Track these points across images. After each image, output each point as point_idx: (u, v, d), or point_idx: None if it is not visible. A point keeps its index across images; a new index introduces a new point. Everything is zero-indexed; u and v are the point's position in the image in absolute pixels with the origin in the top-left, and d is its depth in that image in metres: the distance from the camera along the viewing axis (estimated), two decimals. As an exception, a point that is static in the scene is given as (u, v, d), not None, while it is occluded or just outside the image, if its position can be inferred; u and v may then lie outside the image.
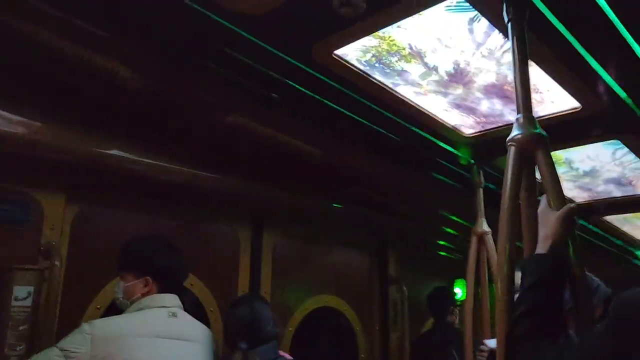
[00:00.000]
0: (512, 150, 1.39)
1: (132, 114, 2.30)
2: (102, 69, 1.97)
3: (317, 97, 2.37)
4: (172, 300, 2.14)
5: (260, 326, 2.30)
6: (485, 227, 2.83)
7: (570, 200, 3.08)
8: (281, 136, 2.58)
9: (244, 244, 3.29)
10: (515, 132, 1.41)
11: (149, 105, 2.24)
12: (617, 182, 3.33)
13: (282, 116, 2.49)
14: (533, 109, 1.46)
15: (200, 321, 2.28)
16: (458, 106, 2.44)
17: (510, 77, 1.83)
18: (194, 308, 2.80)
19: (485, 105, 2.43)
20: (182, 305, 2.19)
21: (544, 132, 1.38)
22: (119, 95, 2.10)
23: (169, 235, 2.46)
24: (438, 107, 2.46)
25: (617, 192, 3.52)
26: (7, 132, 2.05)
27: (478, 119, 2.57)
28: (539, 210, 1.30)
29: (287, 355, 2.42)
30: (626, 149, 2.82)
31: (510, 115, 2.50)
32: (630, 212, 3.93)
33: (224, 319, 2.54)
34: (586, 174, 3.22)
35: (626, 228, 4.50)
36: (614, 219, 4.24)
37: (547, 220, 1.24)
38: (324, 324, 4.02)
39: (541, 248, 1.20)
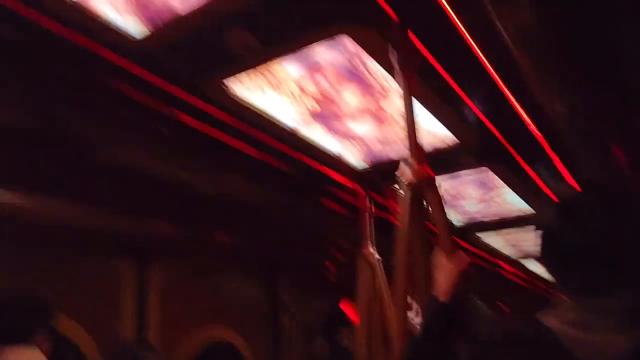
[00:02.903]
0: (406, 192, 1.46)
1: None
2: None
3: (203, 128, 2.32)
4: None
5: None
6: (371, 249, 2.91)
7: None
8: (164, 168, 2.48)
9: (128, 281, 3.10)
10: (406, 172, 1.48)
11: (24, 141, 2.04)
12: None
13: (167, 148, 2.39)
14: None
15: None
16: (341, 135, 2.52)
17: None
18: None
19: (366, 135, 2.53)
20: None
21: (432, 174, 1.47)
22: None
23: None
24: (323, 137, 2.52)
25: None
26: None
27: (360, 148, 2.67)
28: (434, 259, 1.35)
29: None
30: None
31: (392, 146, 2.63)
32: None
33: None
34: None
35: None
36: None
37: (444, 269, 1.27)
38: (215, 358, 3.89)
39: (440, 295, 1.23)
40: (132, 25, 1.69)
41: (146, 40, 1.74)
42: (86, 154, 2.19)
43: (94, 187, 2.49)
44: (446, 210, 1.48)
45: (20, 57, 1.78)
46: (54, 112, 1.98)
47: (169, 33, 1.72)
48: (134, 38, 1.73)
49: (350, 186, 3.10)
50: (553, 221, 0.99)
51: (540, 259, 1.02)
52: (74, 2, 1.56)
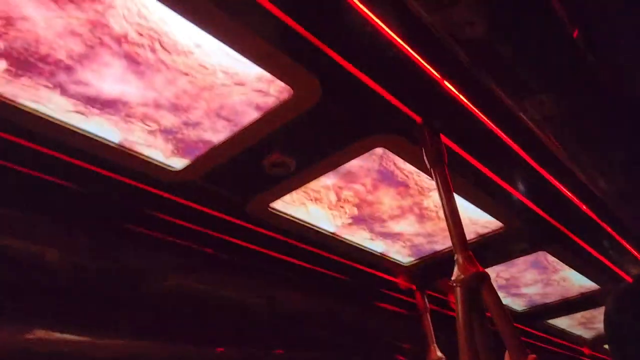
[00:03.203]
0: (457, 291, 1.44)
1: (57, 292, 2.17)
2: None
3: (249, 247, 2.38)
4: None
5: None
6: (438, 353, 2.80)
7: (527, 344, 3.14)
8: (216, 290, 2.51)
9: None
10: (457, 273, 1.46)
11: (77, 281, 2.13)
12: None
13: (223, 272, 2.45)
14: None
15: None
16: (384, 235, 2.53)
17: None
18: None
19: (409, 231, 2.53)
20: None
21: (485, 271, 1.44)
22: (46, 277, 1.99)
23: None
24: (363, 238, 2.53)
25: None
26: None
27: (404, 244, 2.66)
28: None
29: None
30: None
31: (437, 239, 2.61)
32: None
33: None
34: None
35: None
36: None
37: None
38: None
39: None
40: (172, 159, 1.81)
41: (186, 170, 1.85)
42: (137, 284, 2.26)
43: (146, 318, 2.52)
44: (505, 299, 1.43)
45: (71, 199, 1.92)
46: (108, 247, 2.09)
47: (208, 162, 1.82)
48: (174, 169, 1.85)
49: (402, 284, 3.05)
50: (611, 311, 0.96)
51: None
52: (117, 145, 1.70)
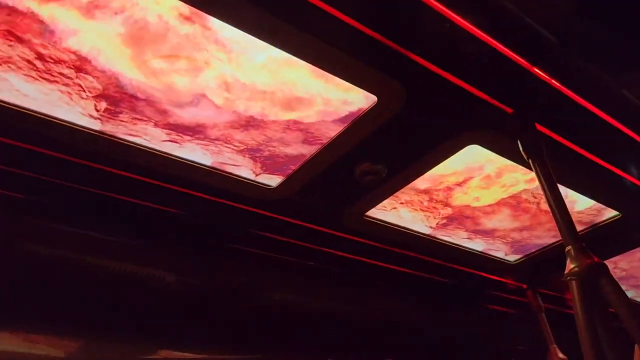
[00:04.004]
0: (573, 286, 1.35)
1: (176, 313, 2.31)
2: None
3: (353, 258, 2.39)
4: None
5: None
6: (560, 355, 2.64)
7: None
8: (327, 303, 2.55)
9: None
10: (571, 266, 1.37)
11: (192, 301, 2.26)
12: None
13: (325, 284, 2.49)
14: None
15: None
16: (482, 233, 2.44)
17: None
18: None
19: (510, 227, 2.42)
20: None
21: (602, 262, 1.35)
22: (165, 299, 2.14)
23: None
24: (460, 238, 2.46)
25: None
26: (48, 356, 2.05)
27: (504, 240, 2.54)
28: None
29: None
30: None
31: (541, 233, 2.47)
32: None
33: None
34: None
35: None
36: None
37: None
38: None
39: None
40: (266, 177, 1.87)
41: (281, 187, 1.91)
42: (245, 301, 2.35)
43: (257, 332, 2.61)
44: (628, 292, 1.33)
45: (178, 224, 2.05)
46: (216, 267, 2.21)
47: (301, 177, 1.86)
48: (270, 187, 1.91)
49: (511, 283, 2.92)
50: None
51: None
52: (212, 168, 1.79)
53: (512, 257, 2.67)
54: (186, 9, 1.27)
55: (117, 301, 2.08)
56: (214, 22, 1.31)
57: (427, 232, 2.33)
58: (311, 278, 2.50)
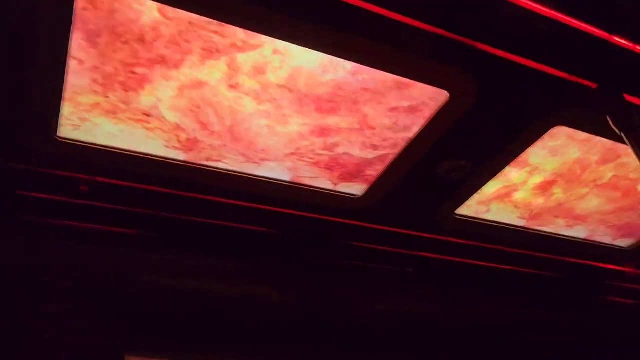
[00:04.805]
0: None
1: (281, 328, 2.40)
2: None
3: (451, 260, 2.36)
4: None
5: None
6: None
7: None
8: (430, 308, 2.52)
9: None
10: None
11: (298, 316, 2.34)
12: None
13: (425, 290, 2.47)
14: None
15: None
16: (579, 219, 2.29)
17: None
18: None
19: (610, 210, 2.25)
20: None
21: None
22: (271, 316, 2.24)
23: None
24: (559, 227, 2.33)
25: None
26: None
27: (609, 224, 2.36)
28: None
29: None
30: None
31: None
32: None
33: None
34: None
35: None
36: None
37: None
38: None
39: None
40: (349, 186, 1.91)
41: (367, 195, 1.93)
42: (348, 313, 2.38)
43: (364, 343, 2.63)
44: None
45: (273, 242, 2.13)
46: (313, 282, 2.27)
47: (385, 183, 1.88)
48: (356, 196, 1.94)
49: (630, 271, 2.71)
50: None
51: None
52: (289, 182, 1.85)
53: (623, 242, 2.49)
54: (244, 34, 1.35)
55: (229, 321, 2.21)
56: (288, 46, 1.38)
57: (521, 224, 2.24)
58: (411, 284, 2.49)
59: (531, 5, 1.35)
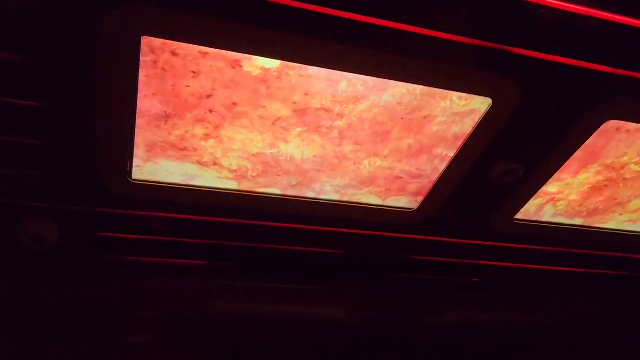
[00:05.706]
0: None
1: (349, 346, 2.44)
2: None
3: (515, 266, 2.34)
4: None
5: None
6: None
7: None
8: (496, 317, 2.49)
9: None
10: None
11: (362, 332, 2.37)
12: None
13: (492, 299, 2.45)
14: None
15: None
16: None
17: None
18: None
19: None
20: None
21: None
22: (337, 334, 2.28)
23: None
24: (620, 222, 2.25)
25: None
26: None
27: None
28: None
29: None
30: None
31: None
32: None
33: None
34: None
35: None
36: None
37: None
38: None
39: None
40: (403, 200, 1.94)
41: (422, 208, 1.95)
42: (415, 326, 2.40)
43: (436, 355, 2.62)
44: None
45: (335, 262, 2.19)
46: (379, 298, 2.31)
47: (439, 194, 1.90)
48: (411, 209, 1.97)
49: None
50: None
51: None
52: (345, 202, 1.90)
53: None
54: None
55: (298, 340, 2.28)
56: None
57: (579, 223, 2.19)
58: (476, 295, 2.48)
59: (559, 4, 1.37)
